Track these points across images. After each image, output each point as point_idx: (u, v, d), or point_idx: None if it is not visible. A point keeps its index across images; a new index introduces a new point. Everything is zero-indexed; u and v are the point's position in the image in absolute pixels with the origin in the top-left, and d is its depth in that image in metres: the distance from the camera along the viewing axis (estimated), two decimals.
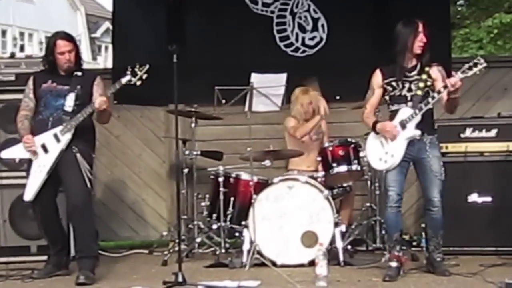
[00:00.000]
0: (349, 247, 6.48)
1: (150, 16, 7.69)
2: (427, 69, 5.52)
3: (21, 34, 28.44)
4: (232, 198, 6.59)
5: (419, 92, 5.49)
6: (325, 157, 6.55)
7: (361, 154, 6.50)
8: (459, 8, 16.59)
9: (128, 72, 5.68)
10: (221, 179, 6.59)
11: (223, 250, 6.48)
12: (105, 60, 28.14)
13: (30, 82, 5.90)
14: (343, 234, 6.26)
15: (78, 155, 5.70)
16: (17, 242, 6.50)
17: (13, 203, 6.51)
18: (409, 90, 5.54)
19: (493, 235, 6.39)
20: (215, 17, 7.66)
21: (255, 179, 6.43)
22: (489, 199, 6.47)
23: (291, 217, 6.19)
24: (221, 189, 6.57)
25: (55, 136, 5.69)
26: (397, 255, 5.57)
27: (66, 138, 5.68)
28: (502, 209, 6.40)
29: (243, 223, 6.34)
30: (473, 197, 6.47)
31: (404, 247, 6.13)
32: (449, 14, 7.97)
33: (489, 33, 15.41)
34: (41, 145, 5.70)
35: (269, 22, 7.68)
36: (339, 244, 6.12)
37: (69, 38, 5.86)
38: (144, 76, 5.67)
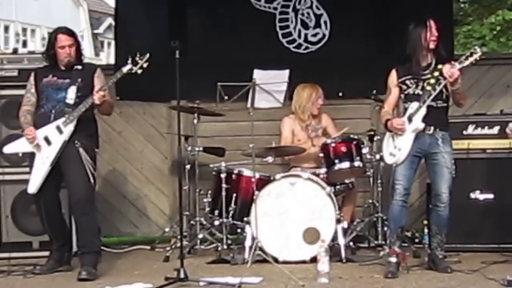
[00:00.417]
0: (351, 243, 6.48)
1: (152, 12, 7.69)
2: (440, 66, 5.56)
3: (24, 30, 28.40)
4: (234, 195, 6.58)
5: (428, 88, 5.53)
6: (327, 153, 6.54)
7: (363, 150, 6.52)
8: (462, 5, 16.52)
9: (129, 61, 5.68)
10: (223, 176, 6.59)
11: (225, 247, 6.48)
12: (108, 56, 28.12)
13: (32, 77, 5.92)
14: (345, 231, 6.26)
15: (81, 149, 5.71)
16: (19, 238, 6.50)
17: (15, 199, 6.52)
18: (422, 88, 5.59)
19: (495, 232, 6.39)
20: (218, 13, 7.66)
21: (257, 175, 6.41)
22: (491, 196, 6.46)
23: (293, 213, 6.19)
24: (223, 185, 6.56)
25: (58, 128, 5.69)
26: (396, 251, 5.57)
27: (68, 129, 5.68)
28: (504, 206, 6.39)
29: (245, 219, 6.34)
30: (475, 194, 6.46)
31: (405, 244, 6.15)
32: (452, 11, 7.94)
33: (492, 30, 15.37)
34: (44, 138, 5.70)
35: (272, 18, 7.66)
36: (341, 241, 6.11)
37: (70, 33, 5.88)
38: (145, 65, 5.67)
